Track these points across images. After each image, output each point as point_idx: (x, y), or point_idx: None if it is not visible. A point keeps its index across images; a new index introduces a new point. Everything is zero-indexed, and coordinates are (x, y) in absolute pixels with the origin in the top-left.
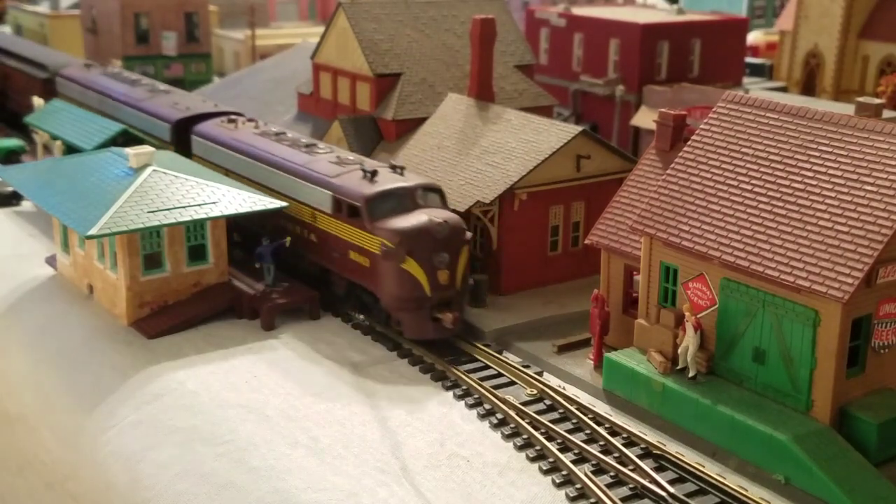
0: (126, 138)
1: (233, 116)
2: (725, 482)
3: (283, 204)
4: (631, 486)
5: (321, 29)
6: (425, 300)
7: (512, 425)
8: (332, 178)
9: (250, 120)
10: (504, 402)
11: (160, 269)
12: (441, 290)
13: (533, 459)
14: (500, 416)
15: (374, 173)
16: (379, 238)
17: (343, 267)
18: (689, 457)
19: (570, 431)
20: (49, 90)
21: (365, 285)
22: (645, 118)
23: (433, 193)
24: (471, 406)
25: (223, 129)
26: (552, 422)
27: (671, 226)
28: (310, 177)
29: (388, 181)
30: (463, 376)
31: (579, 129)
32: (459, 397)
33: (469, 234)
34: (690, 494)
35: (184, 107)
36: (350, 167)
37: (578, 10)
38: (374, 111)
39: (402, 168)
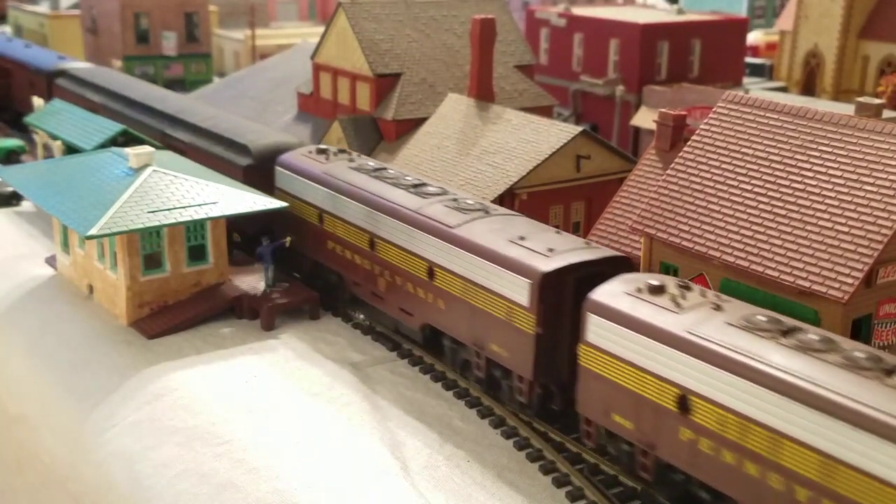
0: (126, 138)
1: (653, 281)
2: None
3: (283, 204)
4: (630, 486)
5: (321, 29)
6: None
7: (511, 425)
8: None
9: (684, 286)
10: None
11: (160, 269)
12: None
13: (532, 460)
14: (499, 416)
15: None
16: None
17: None
18: None
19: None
20: (256, 182)
21: None
22: (645, 118)
23: None
24: (470, 406)
25: (652, 309)
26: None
27: (671, 226)
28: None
29: None
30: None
31: (579, 129)
32: (459, 397)
33: None
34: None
35: (542, 246)
36: None
37: (578, 10)
38: (374, 111)
39: None
